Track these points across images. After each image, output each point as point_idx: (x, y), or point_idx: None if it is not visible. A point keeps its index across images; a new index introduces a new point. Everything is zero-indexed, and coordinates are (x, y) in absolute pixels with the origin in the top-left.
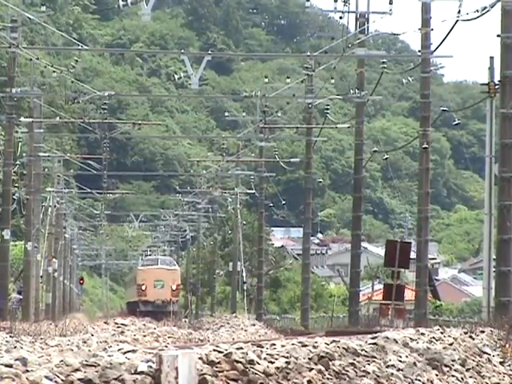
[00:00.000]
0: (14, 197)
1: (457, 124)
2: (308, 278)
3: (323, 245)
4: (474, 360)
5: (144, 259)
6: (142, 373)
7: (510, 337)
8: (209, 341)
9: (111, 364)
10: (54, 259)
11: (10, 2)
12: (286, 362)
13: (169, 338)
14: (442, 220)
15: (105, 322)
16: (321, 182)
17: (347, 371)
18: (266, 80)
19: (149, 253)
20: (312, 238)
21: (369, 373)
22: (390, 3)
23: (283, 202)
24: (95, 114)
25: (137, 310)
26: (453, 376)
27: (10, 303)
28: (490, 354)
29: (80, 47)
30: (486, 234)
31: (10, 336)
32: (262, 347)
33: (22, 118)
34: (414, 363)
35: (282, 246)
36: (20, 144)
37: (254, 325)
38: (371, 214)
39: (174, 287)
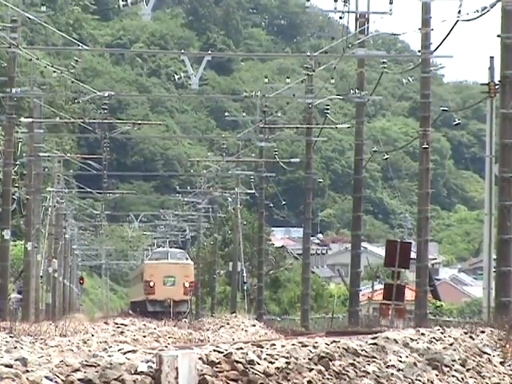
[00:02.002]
0: (14, 197)
1: (457, 124)
2: (308, 278)
3: (323, 245)
4: (474, 360)
5: (152, 252)
6: (142, 373)
7: (511, 337)
8: (209, 341)
9: (111, 364)
10: (54, 259)
11: (10, 2)
12: (286, 363)
13: (169, 338)
14: (442, 220)
15: (105, 323)
16: (321, 182)
17: (347, 371)
18: (266, 80)
19: (155, 247)
20: (312, 238)
21: (369, 373)
22: (390, 3)
23: (283, 202)
24: (95, 114)
25: (144, 310)
26: (453, 376)
27: (10, 303)
28: (490, 354)
29: (80, 47)
30: (486, 234)
31: (10, 336)
32: (262, 347)
33: (22, 118)
34: (415, 363)
35: (282, 246)
36: (20, 144)
37: (255, 325)
38: (371, 214)
39: (187, 284)
